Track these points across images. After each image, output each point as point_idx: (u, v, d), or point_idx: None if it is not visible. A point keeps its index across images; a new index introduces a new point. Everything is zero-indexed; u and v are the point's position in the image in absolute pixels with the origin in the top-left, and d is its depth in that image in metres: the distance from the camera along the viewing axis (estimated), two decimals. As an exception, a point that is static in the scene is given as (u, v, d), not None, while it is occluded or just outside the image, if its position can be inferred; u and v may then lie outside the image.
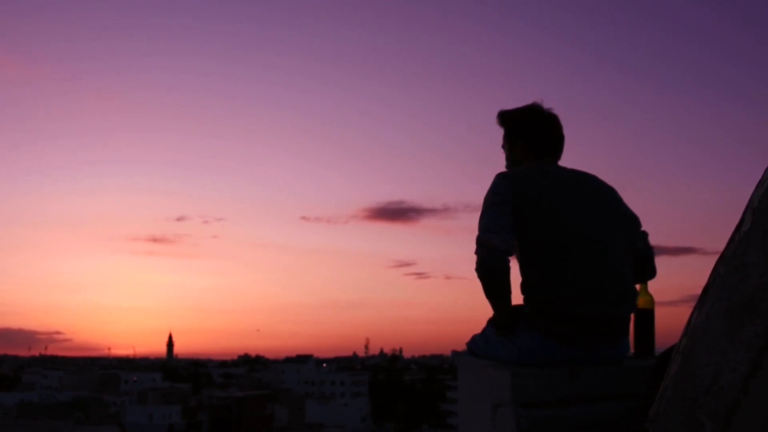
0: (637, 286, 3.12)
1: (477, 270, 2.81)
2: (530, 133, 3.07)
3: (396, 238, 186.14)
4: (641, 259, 3.07)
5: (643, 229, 3.10)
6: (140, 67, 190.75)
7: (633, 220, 3.06)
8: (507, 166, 3.17)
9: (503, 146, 3.17)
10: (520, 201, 2.84)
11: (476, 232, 2.84)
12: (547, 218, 2.83)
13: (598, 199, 2.95)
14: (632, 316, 3.00)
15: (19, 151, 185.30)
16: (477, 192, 2.99)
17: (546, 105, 3.12)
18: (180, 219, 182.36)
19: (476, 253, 2.81)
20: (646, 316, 3.14)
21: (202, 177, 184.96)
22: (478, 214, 2.90)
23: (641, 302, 3.12)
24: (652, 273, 3.14)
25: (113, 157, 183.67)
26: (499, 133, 3.18)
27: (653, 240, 3.10)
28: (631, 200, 3.09)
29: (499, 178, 2.94)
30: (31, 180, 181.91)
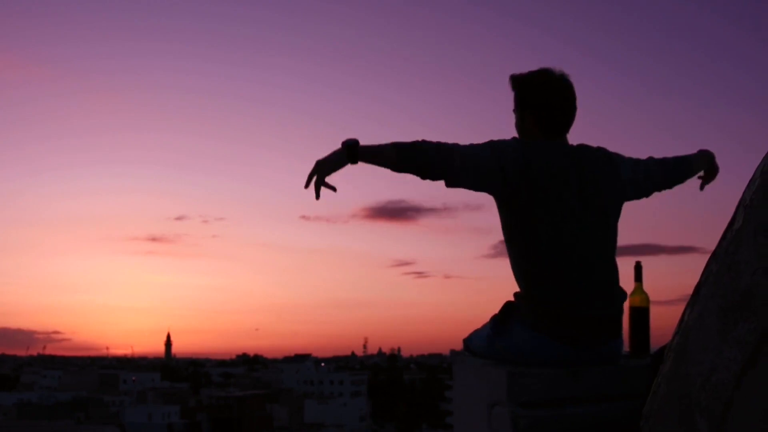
0: (632, 285, 3.12)
1: (421, 167, 2.74)
2: (539, 105, 2.88)
3: (396, 237, 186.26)
4: (653, 178, 3.09)
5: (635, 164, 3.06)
6: (140, 68, 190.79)
7: (626, 185, 2.98)
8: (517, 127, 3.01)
9: (514, 110, 3.00)
10: (516, 192, 2.79)
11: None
12: (541, 217, 2.80)
13: (594, 190, 2.86)
14: (627, 314, 3.00)
15: (18, 152, 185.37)
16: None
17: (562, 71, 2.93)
18: (179, 218, 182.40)
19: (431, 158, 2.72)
20: (641, 315, 3.14)
21: (201, 177, 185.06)
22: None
23: (636, 300, 3.12)
24: (675, 174, 3.19)
25: (112, 157, 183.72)
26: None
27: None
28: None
29: (518, 144, 2.82)
30: (29, 180, 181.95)
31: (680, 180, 3.25)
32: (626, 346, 3.06)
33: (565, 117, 2.91)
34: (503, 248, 2.95)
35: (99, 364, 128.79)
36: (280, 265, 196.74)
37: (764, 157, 1.90)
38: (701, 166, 3.33)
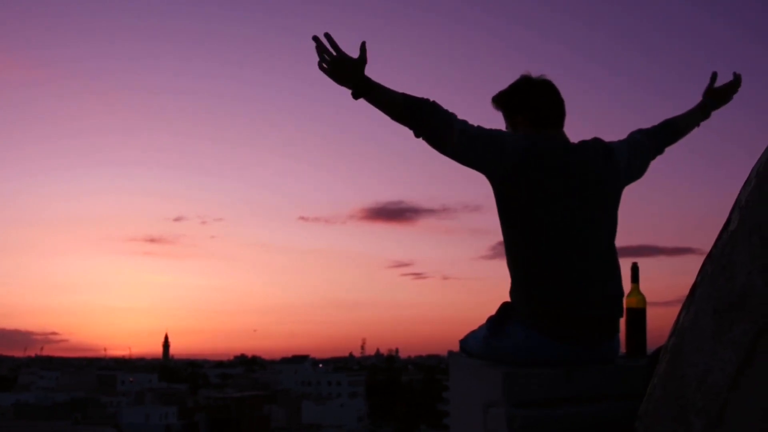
0: (629, 286, 3.13)
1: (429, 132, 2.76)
2: (527, 105, 2.95)
3: (394, 238, 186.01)
4: (646, 153, 3.13)
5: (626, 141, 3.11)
6: (139, 69, 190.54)
7: (624, 172, 3.01)
8: None
9: (506, 129, 3.04)
10: (515, 189, 2.80)
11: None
12: (541, 217, 2.80)
13: (594, 187, 2.86)
14: (624, 314, 3.00)
15: (18, 152, 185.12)
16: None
17: (548, 77, 2.99)
18: (178, 219, 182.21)
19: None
20: (638, 316, 3.15)
21: (199, 177, 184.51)
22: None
23: (633, 302, 3.12)
24: (666, 133, 3.23)
25: (111, 158, 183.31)
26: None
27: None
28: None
29: (521, 137, 2.85)
30: (29, 180, 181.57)
31: (670, 141, 3.26)
32: (623, 348, 3.06)
33: (554, 110, 2.97)
34: (501, 249, 2.95)
35: (97, 365, 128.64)
36: (278, 266, 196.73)
37: (759, 159, 1.91)
38: (694, 117, 3.33)
